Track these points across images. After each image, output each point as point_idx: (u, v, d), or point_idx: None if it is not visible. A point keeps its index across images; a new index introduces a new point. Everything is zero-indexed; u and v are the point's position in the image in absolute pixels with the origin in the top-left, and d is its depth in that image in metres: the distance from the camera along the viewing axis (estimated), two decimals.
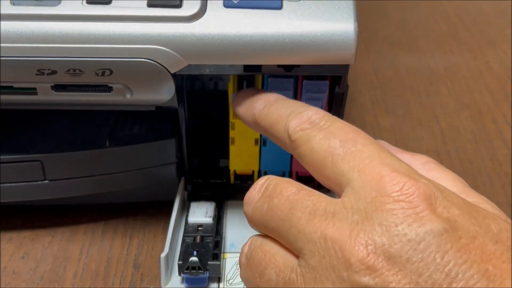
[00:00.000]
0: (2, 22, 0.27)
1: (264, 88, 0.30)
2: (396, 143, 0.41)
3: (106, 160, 0.32)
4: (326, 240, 0.21)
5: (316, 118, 0.24)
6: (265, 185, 0.24)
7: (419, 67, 0.50)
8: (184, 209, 0.34)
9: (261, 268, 0.23)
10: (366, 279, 0.19)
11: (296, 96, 0.31)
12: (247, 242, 0.25)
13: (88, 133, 0.33)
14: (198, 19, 0.27)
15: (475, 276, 0.19)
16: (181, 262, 0.30)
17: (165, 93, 0.29)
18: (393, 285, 0.19)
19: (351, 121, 0.43)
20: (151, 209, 0.36)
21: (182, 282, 0.30)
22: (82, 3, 0.27)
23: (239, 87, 0.31)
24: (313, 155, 0.23)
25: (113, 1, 0.27)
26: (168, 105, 0.30)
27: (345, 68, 0.28)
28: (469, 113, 0.45)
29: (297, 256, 0.22)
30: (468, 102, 0.46)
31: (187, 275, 0.30)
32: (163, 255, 0.30)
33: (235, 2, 0.28)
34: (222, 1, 0.28)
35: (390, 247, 0.19)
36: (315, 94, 0.30)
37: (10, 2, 0.27)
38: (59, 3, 0.27)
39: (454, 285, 0.19)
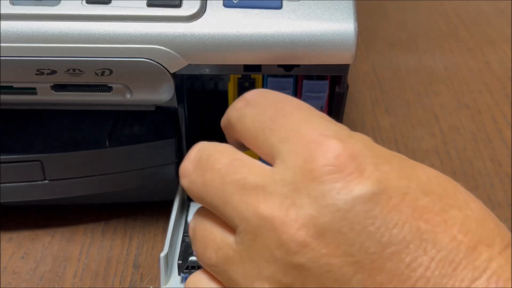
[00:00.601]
0: (1, 22, 0.27)
1: (264, 88, 0.30)
2: (396, 143, 0.41)
3: (106, 160, 0.32)
4: (258, 218, 0.20)
5: (249, 96, 0.24)
6: (198, 156, 0.23)
7: (419, 67, 0.50)
8: (184, 209, 0.34)
9: (203, 244, 0.23)
10: (298, 257, 0.19)
11: (296, 96, 0.31)
12: (193, 215, 0.25)
13: (88, 133, 0.33)
14: (197, 19, 0.27)
15: (407, 238, 0.18)
16: (180, 262, 0.30)
17: (165, 93, 0.29)
18: (325, 259, 0.19)
19: (351, 121, 0.44)
20: (151, 209, 0.36)
21: (182, 281, 0.30)
22: (81, 3, 0.27)
23: (239, 88, 0.31)
24: (247, 132, 0.23)
25: (112, 1, 0.27)
26: (168, 105, 0.30)
27: (345, 68, 0.28)
28: (469, 113, 0.45)
29: (234, 232, 0.22)
30: (468, 102, 0.46)
31: (187, 275, 0.30)
32: (162, 254, 0.29)
33: (235, 2, 0.28)
34: (221, 1, 0.28)
35: (320, 220, 0.19)
36: (315, 94, 0.30)
37: (10, 2, 0.27)
38: (58, 3, 0.27)
39: (388, 250, 0.18)
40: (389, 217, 0.19)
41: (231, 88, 0.31)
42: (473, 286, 0.18)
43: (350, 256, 0.19)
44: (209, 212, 0.23)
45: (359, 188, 0.19)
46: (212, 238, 0.22)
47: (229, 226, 0.22)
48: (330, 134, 0.20)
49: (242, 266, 0.21)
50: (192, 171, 0.23)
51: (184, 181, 0.24)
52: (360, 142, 0.20)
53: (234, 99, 0.31)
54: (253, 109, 0.23)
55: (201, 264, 0.24)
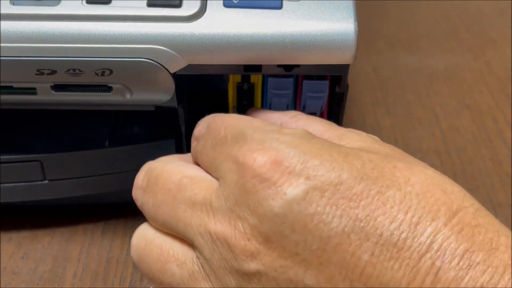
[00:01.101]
0: (1, 22, 0.27)
1: (264, 88, 0.30)
2: (396, 143, 0.41)
3: (106, 160, 0.32)
4: (211, 234, 0.21)
5: (197, 130, 0.25)
6: (146, 177, 0.24)
7: (419, 67, 0.50)
8: None
9: (160, 264, 0.23)
10: (253, 265, 0.20)
11: (296, 96, 0.31)
12: (134, 235, 0.25)
13: (88, 133, 0.33)
14: (198, 19, 0.27)
15: (346, 228, 0.19)
16: None
17: (165, 93, 0.29)
18: (277, 262, 0.20)
19: (351, 121, 0.44)
20: None
21: None
22: (81, 3, 0.27)
23: (238, 91, 0.31)
24: (202, 166, 0.24)
25: (112, 1, 0.27)
26: (168, 105, 0.30)
27: (345, 68, 0.28)
28: (470, 113, 0.45)
29: (192, 246, 0.22)
30: (468, 102, 0.46)
31: None
32: None
33: (235, 2, 0.28)
34: (222, 1, 0.28)
35: (263, 227, 0.20)
36: (315, 94, 0.30)
37: (10, 2, 0.27)
38: (58, 3, 0.27)
39: (330, 244, 0.19)
40: (325, 212, 0.19)
41: (231, 91, 0.31)
42: (420, 263, 0.18)
43: (297, 256, 0.19)
44: (158, 232, 0.24)
45: (291, 190, 0.19)
46: (172, 254, 0.23)
47: (186, 241, 0.23)
48: (255, 145, 0.21)
49: (208, 280, 0.22)
50: (142, 193, 0.24)
51: (137, 203, 0.25)
52: (284, 143, 0.21)
53: (233, 102, 0.31)
54: (199, 144, 0.25)
55: (158, 285, 0.23)
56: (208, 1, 0.28)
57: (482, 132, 0.43)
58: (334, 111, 0.31)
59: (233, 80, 0.30)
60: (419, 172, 0.20)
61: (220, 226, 0.21)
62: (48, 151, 0.31)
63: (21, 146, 0.31)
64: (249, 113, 0.29)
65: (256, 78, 0.30)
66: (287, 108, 0.31)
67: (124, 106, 0.30)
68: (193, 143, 0.26)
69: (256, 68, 0.28)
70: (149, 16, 0.27)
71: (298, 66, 0.28)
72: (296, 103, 0.31)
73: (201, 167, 0.24)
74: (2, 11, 0.27)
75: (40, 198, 0.33)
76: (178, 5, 0.27)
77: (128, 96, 0.29)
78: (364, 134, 0.25)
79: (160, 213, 0.23)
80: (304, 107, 0.31)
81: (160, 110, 0.31)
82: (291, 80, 0.30)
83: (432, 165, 0.38)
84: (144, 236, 0.24)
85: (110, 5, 0.27)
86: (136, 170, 0.33)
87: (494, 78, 0.48)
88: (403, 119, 0.44)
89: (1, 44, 0.27)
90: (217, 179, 0.23)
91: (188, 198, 0.22)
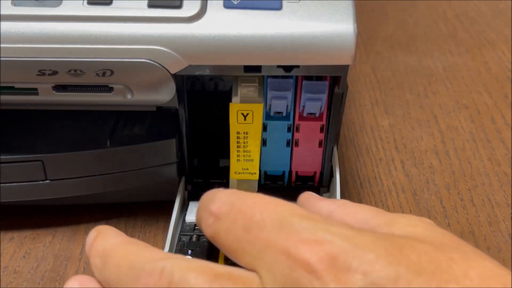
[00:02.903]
0: (3, 23, 0.27)
1: (264, 88, 0.30)
2: (395, 143, 0.42)
3: (106, 160, 0.32)
4: None
5: (215, 209, 0.23)
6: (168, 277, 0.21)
7: (418, 67, 0.50)
8: (184, 209, 0.34)
9: None
10: None
11: (296, 96, 0.31)
12: None
13: (89, 133, 0.33)
14: (198, 19, 0.27)
15: None
16: None
17: (165, 94, 0.29)
18: None
19: (351, 121, 0.44)
20: (152, 209, 0.36)
21: None
22: (83, 3, 0.27)
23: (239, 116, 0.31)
24: (225, 248, 0.22)
25: (113, 2, 0.27)
26: (169, 105, 0.30)
27: (344, 68, 0.28)
28: (468, 113, 0.45)
29: None
30: (467, 102, 0.46)
31: None
32: None
33: (235, 2, 0.28)
34: (222, 2, 0.28)
35: None
36: (314, 95, 0.30)
37: (11, 3, 0.27)
38: (60, 4, 0.27)
39: None
40: None
41: (233, 117, 0.31)
42: None
43: None
44: None
45: (349, 286, 0.19)
46: None
47: None
48: (307, 236, 0.20)
49: None
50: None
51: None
52: (338, 235, 0.20)
53: (235, 127, 0.31)
54: (223, 223, 0.22)
55: None
56: (208, 2, 0.28)
57: (481, 132, 0.43)
58: (334, 111, 0.31)
59: (233, 108, 0.30)
60: (477, 264, 0.20)
61: None
62: (50, 151, 0.31)
63: (22, 146, 0.32)
64: (299, 198, 0.28)
65: (255, 109, 0.30)
66: (287, 108, 0.31)
67: (125, 106, 0.31)
68: (210, 219, 0.23)
69: (256, 68, 0.28)
70: (149, 17, 0.27)
71: (297, 66, 0.28)
72: (295, 104, 0.31)
73: (223, 250, 0.22)
74: (3, 12, 0.27)
75: (42, 198, 0.33)
76: (179, 6, 0.27)
77: (129, 96, 0.29)
78: (414, 218, 0.23)
79: None
80: (303, 107, 0.31)
81: (160, 110, 0.32)
82: (291, 80, 0.30)
83: (431, 165, 0.38)
84: None
85: (111, 6, 0.27)
86: (137, 170, 0.33)
87: (492, 79, 0.48)
88: (402, 119, 0.44)
89: (3, 45, 0.27)
90: (251, 268, 0.21)
91: None
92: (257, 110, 0.30)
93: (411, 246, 0.20)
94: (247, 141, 0.32)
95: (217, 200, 0.23)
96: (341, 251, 0.19)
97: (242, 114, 0.30)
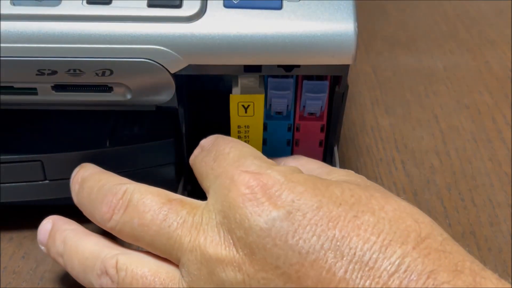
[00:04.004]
0: (2, 22, 0.27)
1: (264, 89, 0.30)
2: (395, 143, 0.42)
3: (106, 160, 0.32)
4: (200, 247, 0.23)
5: (203, 142, 0.28)
6: (128, 198, 0.26)
7: (419, 67, 0.50)
8: None
9: (146, 285, 0.24)
10: (239, 276, 0.22)
11: (296, 96, 0.31)
12: (108, 262, 0.26)
13: (88, 133, 0.33)
14: (198, 19, 0.27)
15: (324, 246, 0.21)
16: None
17: (165, 94, 0.29)
18: (259, 274, 0.21)
19: (351, 121, 0.44)
20: None
21: None
22: (82, 3, 0.27)
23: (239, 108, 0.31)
24: (197, 172, 0.27)
25: (113, 1, 0.27)
26: (168, 105, 0.30)
27: (345, 68, 0.28)
28: (469, 113, 0.45)
29: (176, 265, 0.24)
30: (467, 102, 0.46)
31: None
32: None
33: (235, 2, 0.28)
34: (222, 1, 0.28)
35: (248, 239, 0.22)
36: (315, 94, 0.30)
37: (10, 2, 0.27)
38: (59, 3, 0.27)
39: (308, 259, 0.21)
40: (306, 230, 0.21)
41: (233, 110, 0.31)
42: (389, 282, 0.20)
43: (278, 269, 0.21)
44: (141, 253, 0.25)
45: (276, 209, 0.22)
46: (158, 278, 0.24)
47: (170, 260, 0.24)
48: (253, 169, 0.24)
49: None
50: (122, 212, 0.26)
51: (110, 224, 0.26)
52: (278, 172, 0.23)
53: (236, 120, 0.31)
54: (202, 153, 0.27)
55: None
56: (208, 2, 0.28)
57: (481, 132, 0.43)
58: (334, 111, 0.31)
59: (233, 98, 0.30)
60: (393, 201, 0.23)
61: (210, 239, 0.23)
62: (49, 151, 0.31)
63: (21, 146, 0.31)
64: None
65: (256, 98, 0.30)
66: (287, 108, 0.31)
67: (124, 106, 0.31)
68: (197, 150, 0.28)
69: (256, 68, 0.28)
70: (149, 17, 0.27)
71: (298, 66, 0.28)
72: (296, 104, 0.31)
73: (194, 173, 0.28)
74: (3, 11, 0.27)
75: (41, 198, 0.33)
76: (178, 6, 0.27)
77: (128, 96, 0.29)
78: (352, 172, 0.27)
79: (149, 232, 0.25)
80: (304, 107, 0.31)
81: (160, 110, 0.31)
82: (291, 80, 0.30)
83: (431, 165, 0.38)
84: (123, 261, 0.25)
85: (110, 5, 0.27)
86: (136, 170, 0.33)
87: (493, 78, 0.48)
88: (402, 119, 0.44)
89: (2, 45, 0.27)
90: (207, 191, 0.25)
91: (178, 219, 0.24)
92: (258, 102, 0.30)
93: (337, 184, 0.23)
94: (248, 135, 0.32)
95: (209, 137, 0.28)
96: (276, 182, 0.23)
97: (243, 106, 0.30)
